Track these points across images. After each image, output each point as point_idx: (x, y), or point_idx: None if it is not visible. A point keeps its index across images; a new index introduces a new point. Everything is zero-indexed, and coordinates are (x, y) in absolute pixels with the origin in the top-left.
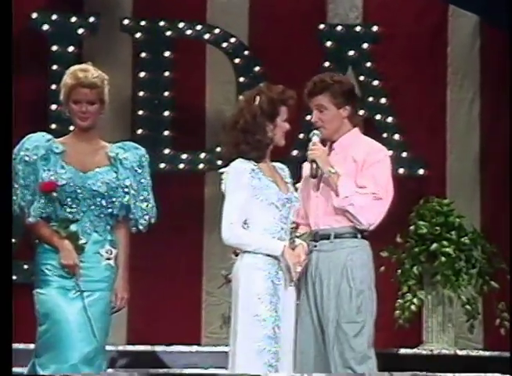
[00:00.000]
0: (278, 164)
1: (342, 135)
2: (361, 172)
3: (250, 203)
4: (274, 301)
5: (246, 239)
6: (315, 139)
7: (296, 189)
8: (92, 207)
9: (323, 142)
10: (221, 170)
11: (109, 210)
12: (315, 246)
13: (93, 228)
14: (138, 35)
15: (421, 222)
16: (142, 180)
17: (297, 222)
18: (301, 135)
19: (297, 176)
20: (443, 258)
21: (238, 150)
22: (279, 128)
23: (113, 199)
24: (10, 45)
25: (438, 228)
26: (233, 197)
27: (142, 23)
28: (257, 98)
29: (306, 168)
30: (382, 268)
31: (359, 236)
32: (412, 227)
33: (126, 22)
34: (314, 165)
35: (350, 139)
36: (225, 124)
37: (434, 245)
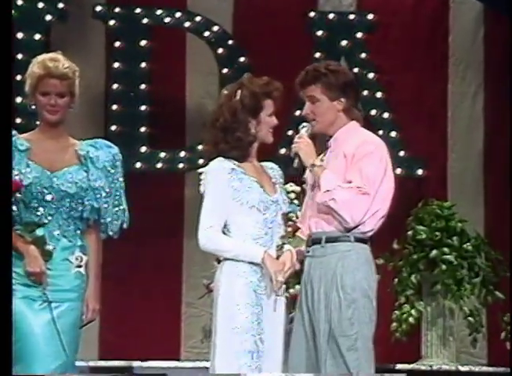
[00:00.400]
0: (268, 164)
1: (337, 131)
2: (349, 167)
3: (230, 206)
4: (256, 312)
5: (224, 244)
6: (303, 131)
7: (286, 191)
8: (61, 209)
9: (315, 136)
10: (200, 170)
11: (79, 213)
12: (308, 251)
13: (62, 232)
14: (111, 23)
15: (420, 227)
16: (115, 181)
17: (296, 226)
18: (290, 132)
19: (286, 176)
20: (444, 266)
21: (217, 150)
22: (265, 124)
23: (84, 201)
24: (10, 44)
25: (438, 233)
26: (211, 200)
27: (117, 9)
28: (238, 92)
29: (309, 173)
30: (377, 276)
31: (353, 238)
32: (410, 232)
33: (99, 8)
34: (296, 159)
35: (345, 134)
36: (205, 122)
37: (434, 252)
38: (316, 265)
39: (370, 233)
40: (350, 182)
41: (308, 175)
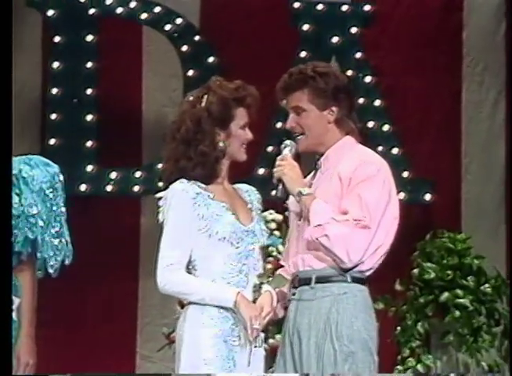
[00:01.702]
0: (243, 186)
1: (329, 147)
2: (345, 194)
3: (195, 238)
4: (227, 367)
5: (188, 286)
6: (286, 152)
7: (266, 220)
8: None
9: (300, 155)
10: (158, 194)
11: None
12: (294, 294)
13: None
14: (50, 13)
15: (428, 264)
16: (55, 207)
17: (279, 263)
18: (270, 148)
19: (265, 202)
20: (457, 312)
21: (178, 168)
22: (236, 138)
23: (15, 231)
24: (10, 43)
25: (449, 272)
26: (171, 231)
27: None
28: (204, 98)
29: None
30: (376, 324)
31: (349, 278)
32: (415, 270)
33: None
34: (280, 186)
35: (339, 152)
36: (165, 134)
37: (445, 295)
38: (304, 311)
39: (369, 272)
40: (346, 213)
41: (291, 201)
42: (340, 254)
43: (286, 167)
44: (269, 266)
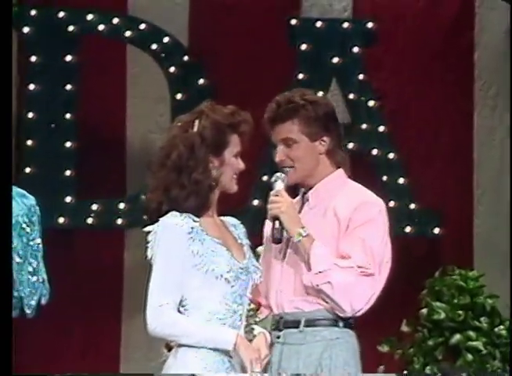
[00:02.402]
0: (229, 219)
1: (320, 180)
2: (345, 236)
3: (189, 276)
4: None
5: (182, 327)
6: (279, 185)
7: (256, 256)
8: None
9: (292, 189)
10: (148, 228)
11: None
12: (279, 337)
13: None
14: (26, 30)
15: (437, 304)
16: (32, 242)
17: (258, 301)
18: (265, 178)
19: (257, 236)
20: (469, 356)
21: (169, 198)
22: (229, 167)
23: None
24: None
25: (461, 312)
26: (163, 269)
27: (33, 12)
28: (196, 122)
29: (269, 226)
30: (381, 367)
31: (341, 323)
32: (424, 310)
33: None
34: (276, 224)
35: (331, 186)
36: (152, 162)
37: (456, 337)
38: (292, 355)
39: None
40: (346, 258)
41: (269, 230)
42: (343, 304)
43: (284, 204)
44: (252, 306)
